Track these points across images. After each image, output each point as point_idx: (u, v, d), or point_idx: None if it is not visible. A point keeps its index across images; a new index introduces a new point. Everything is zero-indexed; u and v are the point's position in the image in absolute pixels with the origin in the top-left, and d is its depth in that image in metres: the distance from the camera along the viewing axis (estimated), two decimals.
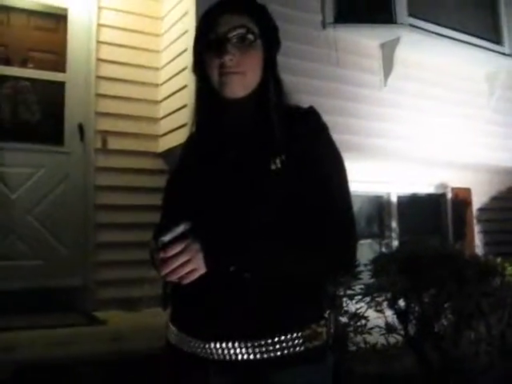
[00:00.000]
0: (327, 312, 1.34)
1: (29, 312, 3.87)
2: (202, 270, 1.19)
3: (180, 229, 1.18)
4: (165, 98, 4.61)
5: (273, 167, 1.26)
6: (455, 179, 5.75)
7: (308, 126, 1.33)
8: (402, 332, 3.74)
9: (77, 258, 4.41)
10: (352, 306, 3.54)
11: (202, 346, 1.27)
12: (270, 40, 1.39)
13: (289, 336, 1.25)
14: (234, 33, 1.32)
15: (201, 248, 1.18)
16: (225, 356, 1.25)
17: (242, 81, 1.33)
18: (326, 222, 1.25)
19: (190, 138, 1.50)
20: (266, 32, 1.37)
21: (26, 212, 4.31)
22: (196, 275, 1.19)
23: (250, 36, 1.33)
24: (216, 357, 1.26)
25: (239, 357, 1.24)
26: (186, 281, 1.19)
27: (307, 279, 1.30)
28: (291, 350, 1.25)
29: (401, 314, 3.76)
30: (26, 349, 3.08)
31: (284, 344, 1.24)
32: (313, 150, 1.30)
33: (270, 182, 1.26)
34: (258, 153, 1.29)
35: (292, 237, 1.24)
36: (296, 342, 1.25)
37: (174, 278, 1.18)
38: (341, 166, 1.34)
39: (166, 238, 1.18)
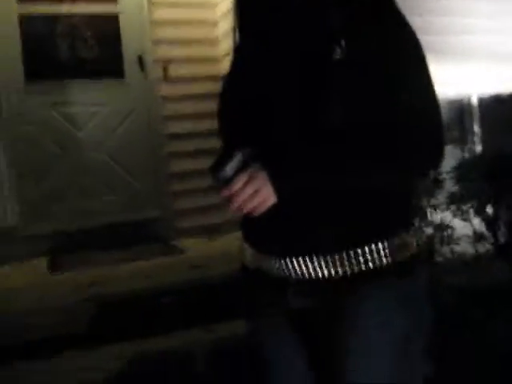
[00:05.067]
0: (417, 220, 1.18)
1: (109, 247, 3.97)
2: (273, 200, 1.06)
3: (239, 157, 1.05)
4: (222, 17, 4.41)
5: (335, 57, 1.07)
6: None
7: (370, 2, 1.11)
8: (492, 240, 3.54)
9: (152, 190, 4.45)
10: (436, 217, 3.36)
11: (279, 263, 1.16)
12: None
13: (373, 247, 1.10)
14: None
15: (268, 175, 1.05)
16: (303, 274, 1.13)
17: None
18: (408, 116, 1.07)
19: (235, 53, 1.33)
20: None
21: (95, 149, 4.35)
22: (267, 205, 1.06)
23: None
24: (294, 275, 1.14)
25: (319, 273, 1.12)
26: (257, 213, 1.07)
27: (393, 181, 1.14)
28: (377, 262, 1.11)
29: (489, 222, 3.55)
30: (108, 283, 3.13)
31: (369, 256, 1.10)
32: (378, 29, 1.09)
33: (335, 75, 1.07)
34: (314, 43, 1.10)
35: (372, 136, 1.07)
36: (382, 252, 1.11)
37: (244, 211, 1.07)
38: (416, 48, 1.12)
39: (227, 171, 1.05)
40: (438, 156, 1.13)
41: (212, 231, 4.29)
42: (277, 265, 1.16)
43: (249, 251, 1.26)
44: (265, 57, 1.19)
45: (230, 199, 1.06)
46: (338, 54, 1.07)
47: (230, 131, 1.26)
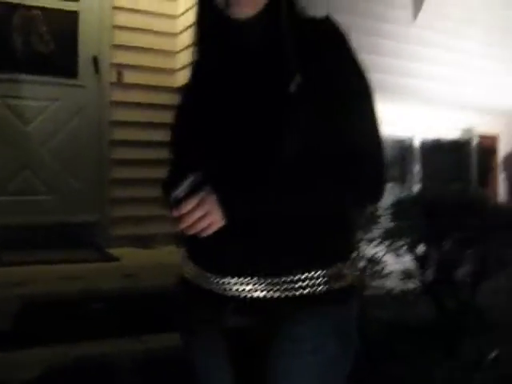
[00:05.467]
0: (355, 253, 1.23)
1: (43, 247, 3.86)
2: (221, 224, 1.10)
3: (191, 180, 1.09)
4: (183, 30, 4.43)
5: (289, 91, 1.11)
6: (482, 125, 5.54)
7: (326, 40, 1.17)
8: (421, 278, 3.66)
9: (91, 194, 4.36)
10: (370, 251, 3.45)
11: (217, 281, 1.18)
12: None
13: (311, 274, 1.14)
14: None
15: (218, 199, 1.08)
16: (241, 293, 1.15)
17: None
18: (352, 150, 1.13)
19: (194, 69, 1.34)
20: None
21: (39, 146, 4.23)
22: (215, 228, 1.10)
23: None
24: (232, 293, 1.16)
25: (257, 294, 1.14)
26: (205, 234, 1.10)
27: (333, 213, 1.19)
28: (313, 289, 1.15)
29: (420, 260, 3.67)
30: (38, 283, 3.05)
31: (306, 282, 1.14)
32: (333, 67, 1.15)
33: (289, 108, 1.12)
34: (271, 77, 1.15)
35: (317, 169, 1.12)
36: (319, 280, 1.15)
37: (191, 232, 1.10)
38: (366, 86, 1.18)
39: (179, 192, 1.08)
40: (379, 192, 1.19)
41: (148, 241, 4.25)
42: (216, 282, 1.18)
43: (189, 266, 1.27)
44: (222, 84, 1.22)
45: (179, 219, 1.08)
46: (293, 87, 1.11)
47: (183, 149, 1.28)
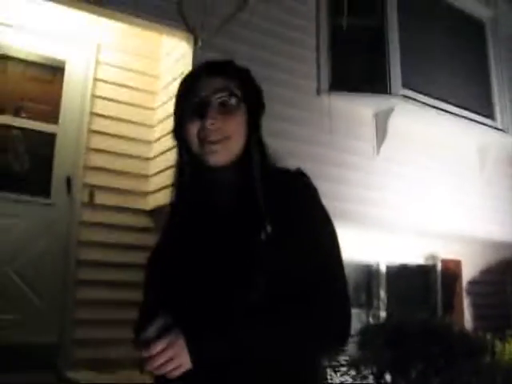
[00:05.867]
0: None
1: (2, 369, 3.68)
2: (188, 366, 1.12)
3: (161, 322, 1.14)
4: (157, 155, 4.59)
5: (259, 239, 1.19)
6: (446, 250, 5.69)
7: (295, 190, 1.27)
8: None
9: (55, 315, 4.26)
10: (336, 379, 3.41)
11: None
12: (254, 103, 1.35)
13: None
14: (217, 96, 1.28)
15: (185, 343, 1.12)
16: None
17: (224, 147, 1.28)
18: (318, 296, 1.18)
19: (172, 211, 1.42)
20: (250, 95, 1.33)
21: (5, 264, 4.18)
22: (181, 371, 1.12)
23: (233, 99, 1.29)
24: None
25: None
26: (171, 376, 1.12)
27: (301, 358, 1.22)
28: None
29: None
30: None
31: None
32: (301, 216, 1.24)
33: (258, 256, 1.18)
34: (242, 225, 1.23)
35: (283, 314, 1.17)
36: None
37: (158, 373, 1.13)
38: (331, 233, 1.27)
39: (149, 333, 1.13)
40: (345, 331, 1.23)
41: (110, 365, 4.12)
42: None
43: None
44: (197, 229, 1.29)
45: (148, 360, 1.11)
46: (262, 237, 1.19)
47: (154, 290, 1.32)
